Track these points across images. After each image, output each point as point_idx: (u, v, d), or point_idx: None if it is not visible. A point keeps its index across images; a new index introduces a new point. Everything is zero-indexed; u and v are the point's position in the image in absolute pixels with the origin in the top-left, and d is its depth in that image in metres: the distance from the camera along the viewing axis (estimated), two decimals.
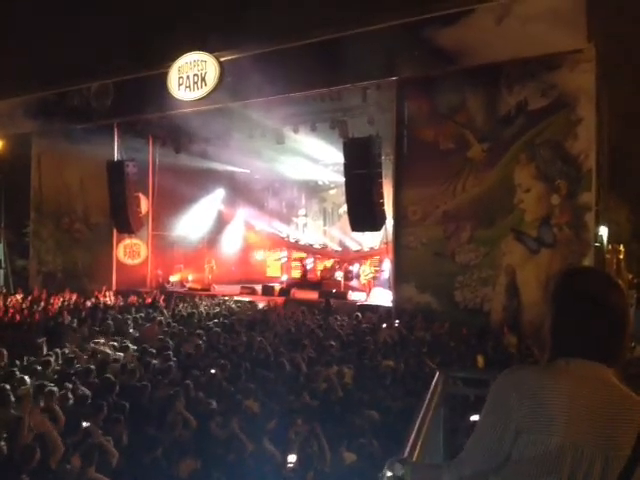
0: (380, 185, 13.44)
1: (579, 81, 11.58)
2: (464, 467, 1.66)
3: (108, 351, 8.69)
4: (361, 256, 18.80)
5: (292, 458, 4.98)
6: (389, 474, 1.78)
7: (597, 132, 11.67)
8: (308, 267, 20.21)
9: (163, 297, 15.35)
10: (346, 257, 19.08)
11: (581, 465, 1.50)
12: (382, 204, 13.54)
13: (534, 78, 12.08)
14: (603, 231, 13.87)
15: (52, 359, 7.97)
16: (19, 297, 15.23)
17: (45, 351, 8.71)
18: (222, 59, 15.20)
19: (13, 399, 6.02)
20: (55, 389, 6.37)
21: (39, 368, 7.46)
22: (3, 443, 5.01)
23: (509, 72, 12.33)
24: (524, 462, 1.55)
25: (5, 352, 8.23)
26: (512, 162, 12.30)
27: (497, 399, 1.64)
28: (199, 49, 15.43)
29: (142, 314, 12.40)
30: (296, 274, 20.28)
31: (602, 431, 1.51)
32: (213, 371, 7.63)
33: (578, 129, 11.66)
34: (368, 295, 16.07)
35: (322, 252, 20.36)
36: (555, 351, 1.65)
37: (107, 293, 16.09)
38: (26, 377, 6.84)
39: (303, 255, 20.76)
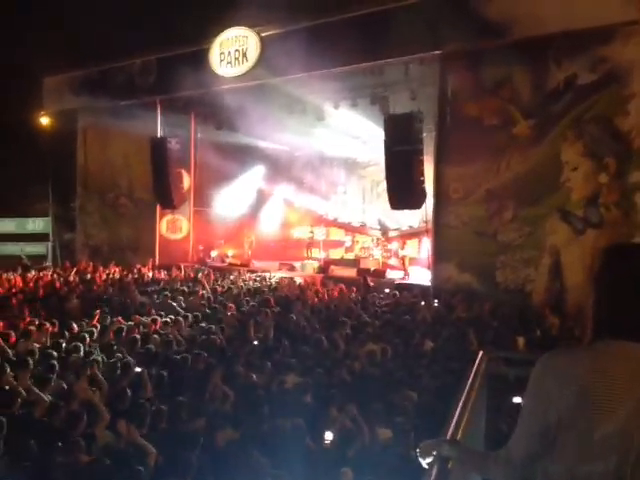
0: (421, 162, 13.24)
1: (632, 54, 11.07)
2: (512, 455, 1.64)
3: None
4: (400, 234, 18.65)
5: (329, 435, 5.04)
6: (434, 453, 1.77)
7: None
8: (347, 245, 20.18)
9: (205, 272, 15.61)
10: (385, 235, 18.96)
11: (630, 450, 1.46)
12: (423, 182, 13.35)
13: (584, 52, 11.60)
14: None
15: (96, 330, 8.26)
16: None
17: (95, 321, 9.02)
18: (263, 34, 15.13)
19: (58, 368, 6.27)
20: (100, 358, 6.61)
21: (88, 338, 7.72)
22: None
23: (558, 45, 11.86)
24: (569, 448, 1.52)
25: (56, 322, 8.56)
26: (559, 139, 11.92)
27: (537, 385, 1.60)
28: (240, 24, 15.38)
29: (185, 288, 12.66)
30: (334, 251, 20.29)
31: None
32: (256, 342, 7.78)
33: (629, 105, 11.19)
34: (406, 274, 15.97)
35: (361, 230, 20.27)
36: (596, 332, 1.59)
37: (152, 267, 16.46)
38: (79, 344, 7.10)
39: (342, 232, 20.73)
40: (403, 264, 16.62)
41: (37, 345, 7.28)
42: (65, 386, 5.85)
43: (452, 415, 2.05)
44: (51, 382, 5.92)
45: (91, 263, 16.75)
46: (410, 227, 18.29)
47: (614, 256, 1.64)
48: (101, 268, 15.60)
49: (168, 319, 9.16)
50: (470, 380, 2.48)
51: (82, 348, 7.14)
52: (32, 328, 7.94)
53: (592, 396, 1.50)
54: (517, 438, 1.64)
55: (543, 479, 1.59)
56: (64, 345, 7.29)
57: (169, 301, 10.91)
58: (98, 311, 9.47)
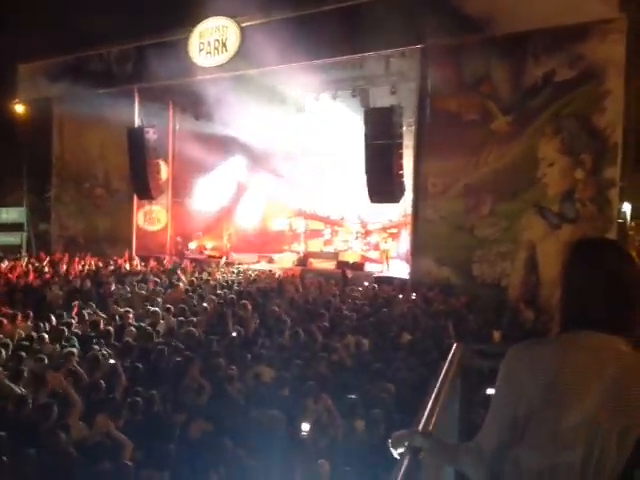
0: (400, 156, 13.30)
1: (608, 52, 11.23)
2: (482, 446, 1.65)
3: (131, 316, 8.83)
4: (379, 228, 18.72)
5: (305, 427, 5.05)
6: (406, 444, 1.78)
7: (625, 106, 11.35)
8: (326, 237, 20.20)
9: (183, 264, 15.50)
10: (364, 228, 19.02)
11: (597, 437, 1.48)
12: (402, 175, 13.42)
13: (562, 49, 11.74)
14: (627, 207, 13.62)
15: (74, 322, 8.15)
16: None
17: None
18: (243, 24, 15.00)
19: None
20: (75, 350, 6.52)
21: (65, 330, 7.62)
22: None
23: (536, 42, 11.99)
24: (538, 438, 1.55)
25: (31, 314, 8.42)
26: (537, 135, 12.06)
27: (507, 376, 1.62)
28: (220, 14, 15.22)
29: (164, 280, 12.56)
30: (313, 244, 20.30)
31: (618, 401, 1.49)
32: (234, 334, 7.77)
33: (605, 102, 11.36)
34: (385, 267, 16.05)
35: (340, 223, 20.30)
36: (565, 324, 1.62)
37: (129, 258, 16.29)
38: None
39: (321, 225, 20.73)
40: (382, 257, 16.70)
41: (9, 337, 7.16)
42: (37, 377, 5.77)
43: (424, 406, 2.06)
44: (23, 374, 5.82)
45: (66, 254, 16.47)
46: (389, 221, 18.36)
47: (581, 250, 1.68)
48: (76, 259, 15.37)
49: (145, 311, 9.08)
50: (444, 372, 2.50)
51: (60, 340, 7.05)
52: (2, 319, 7.80)
53: (560, 386, 1.52)
54: (487, 428, 1.66)
55: (513, 469, 1.61)
56: (45, 336, 7.18)
57: (142, 292, 10.82)
58: (76, 302, 9.33)
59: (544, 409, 1.54)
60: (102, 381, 5.78)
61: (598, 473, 1.49)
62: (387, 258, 16.50)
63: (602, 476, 1.49)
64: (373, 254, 17.81)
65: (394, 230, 18.11)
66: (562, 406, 1.52)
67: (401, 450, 1.78)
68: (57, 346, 6.89)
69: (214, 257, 18.16)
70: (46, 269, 13.68)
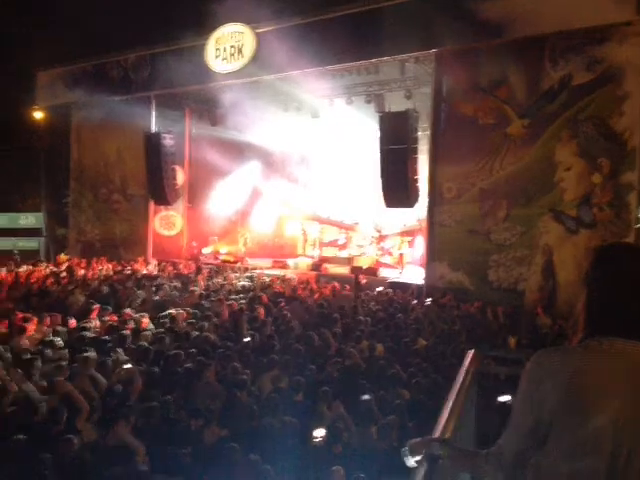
0: (415, 161, 13.24)
1: (627, 55, 11.09)
2: (503, 452, 1.63)
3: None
4: (394, 233, 18.65)
5: (319, 432, 5.03)
6: (423, 452, 1.76)
7: None
8: (340, 242, 20.17)
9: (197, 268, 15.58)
10: (378, 233, 18.95)
11: (623, 443, 1.47)
12: (417, 180, 13.36)
13: (579, 52, 11.62)
14: None
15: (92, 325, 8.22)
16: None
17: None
18: (258, 30, 15.07)
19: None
20: (93, 355, 6.56)
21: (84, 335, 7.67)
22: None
23: (553, 45, 11.88)
24: (561, 445, 1.53)
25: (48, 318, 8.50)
26: (553, 139, 11.94)
27: (529, 382, 1.61)
28: (236, 21, 15.31)
29: (178, 284, 12.63)
30: (328, 249, 20.28)
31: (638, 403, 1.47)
32: (249, 339, 7.78)
33: (624, 105, 11.21)
34: (400, 272, 15.98)
35: (354, 228, 20.26)
36: (588, 331, 1.61)
37: (146, 262, 16.41)
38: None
39: (336, 230, 20.70)
40: (397, 262, 16.63)
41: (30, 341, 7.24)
42: (45, 383, 5.82)
43: (442, 414, 2.04)
44: (33, 378, 5.88)
45: (83, 259, 16.64)
46: (404, 225, 18.28)
47: (604, 256, 1.66)
48: (94, 264, 15.51)
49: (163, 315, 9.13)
50: (460, 379, 2.48)
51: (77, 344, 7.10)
52: (27, 324, 7.87)
53: (583, 393, 1.51)
54: (509, 435, 1.65)
55: (534, 476, 1.59)
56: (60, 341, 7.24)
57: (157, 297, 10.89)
58: (97, 306, 9.38)
59: (567, 415, 1.53)
60: (119, 385, 5.81)
61: (624, 475, 1.47)
62: (402, 263, 16.44)
63: (629, 477, 1.46)
64: (388, 259, 17.73)
65: (408, 236, 18.03)
66: (586, 412, 1.50)
67: (418, 458, 1.76)
68: (66, 351, 6.90)
69: (229, 262, 18.22)
70: (63, 274, 13.81)
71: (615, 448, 1.47)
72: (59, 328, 8.02)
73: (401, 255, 16.96)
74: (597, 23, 11.04)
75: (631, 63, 11.05)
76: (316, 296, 11.77)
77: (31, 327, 7.80)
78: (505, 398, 4.69)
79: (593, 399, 1.50)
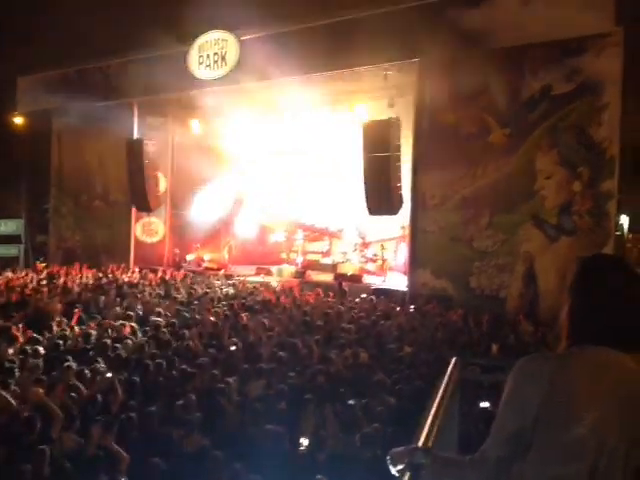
0: (398, 169, 13.32)
1: (605, 66, 11.30)
2: (486, 459, 1.64)
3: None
4: (377, 240, 18.70)
5: (305, 442, 5.01)
6: (406, 461, 1.76)
7: (622, 119, 11.41)
8: (324, 249, 20.16)
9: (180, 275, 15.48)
10: (362, 240, 18.99)
11: (604, 451, 1.49)
12: (400, 188, 13.43)
13: (559, 62, 11.82)
14: (624, 220, 13.67)
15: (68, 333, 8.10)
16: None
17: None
18: (242, 38, 15.08)
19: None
20: (73, 364, 6.47)
21: (60, 342, 7.57)
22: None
23: (534, 56, 12.07)
24: (544, 450, 1.54)
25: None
26: (534, 148, 12.10)
27: (514, 388, 1.62)
28: (220, 28, 15.31)
29: (161, 291, 12.53)
30: (311, 256, 20.26)
31: (625, 415, 1.50)
32: (232, 347, 7.74)
33: (603, 115, 11.42)
34: (383, 279, 16.03)
35: (338, 235, 20.27)
36: (572, 339, 1.64)
37: (126, 270, 16.24)
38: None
39: (319, 237, 20.70)
40: (380, 269, 16.66)
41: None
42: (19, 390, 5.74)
43: (424, 421, 2.04)
44: (10, 387, 5.79)
45: (63, 267, 16.43)
46: (388, 233, 18.33)
47: (591, 266, 1.70)
48: (73, 271, 15.33)
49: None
50: (443, 386, 2.49)
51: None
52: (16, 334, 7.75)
53: (566, 400, 1.53)
54: (493, 440, 1.66)
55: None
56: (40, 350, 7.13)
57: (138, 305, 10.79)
58: (77, 311, 9.27)
59: (550, 422, 1.55)
60: (99, 395, 5.73)
61: None
62: (385, 270, 16.48)
63: None
64: (371, 266, 17.77)
65: (392, 242, 18.09)
66: (569, 419, 1.52)
67: (400, 467, 1.76)
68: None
69: (212, 269, 18.12)
70: (44, 282, 13.62)
71: (596, 456, 1.49)
72: (38, 337, 7.91)
73: (384, 262, 17.00)
74: (577, 34, 11.26)
75: (610, 74, 11.26)
76: (299, 303, 11.74)
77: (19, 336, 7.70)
78: (486, 404, 4.74)
79: (575, 407, 1.52)
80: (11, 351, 7.10)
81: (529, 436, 1.57)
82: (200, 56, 15.62)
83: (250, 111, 16.68)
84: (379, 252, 17.40)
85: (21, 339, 7.77)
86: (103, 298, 11.31)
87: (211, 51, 15.46)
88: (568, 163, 11.74)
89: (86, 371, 6.40)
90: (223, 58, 15.27)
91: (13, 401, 5.38)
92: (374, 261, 17.46)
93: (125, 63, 17.51)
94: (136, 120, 17.83)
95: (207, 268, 18.44)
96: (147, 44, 16.55)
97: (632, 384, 1.53)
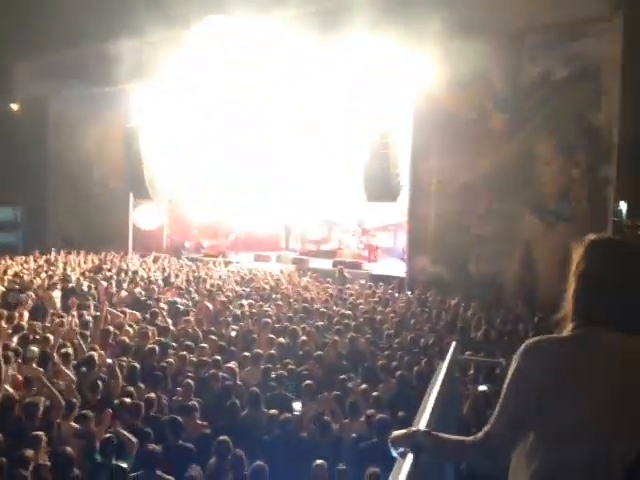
0: (396, 155, 13.29)
1: (604, 51, 11.27)
2: (490, 439, 1.66)
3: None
4: (376, 226, 18.71)
5: (305, 426, 5.06)
6: (407, 443, 1.78)
7: (621, 104, 11.38)
8: (323, 236, 20.15)
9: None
10: (362, 226, 18.99)
11: (605, 433, 1.50)
12: (398, 174, 13.42)
13: (558, 48, 11.78)
14: (622, 206, 13.68)
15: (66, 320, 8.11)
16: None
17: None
18: (239, 21, 14.98)
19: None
20: (70, 351, 6.50)
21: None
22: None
23: (532, 41, 12.02)
24: (549, 432, 1.56)
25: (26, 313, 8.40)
26: (533, 133, 12.09)
27: (518, 371, 1.63)
28: (219, 12, 15.21)
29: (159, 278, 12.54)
30: (310, 243, 20.26)
31: (628, 397, 1.51)
32: (233, 334, 7.78)
33: (602, 101, 11.40)
34: (381, 265, 16.07)
35: (337, 221, 20.24)
36: (577, 321, 1.64)
37: (126, 256, 16.27)
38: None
39: (318, 223, 20.65)
40: (379, 255, 16.71)
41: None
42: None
43: (425, 404, 2.07)
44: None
45: (62, 252, 16.41)
46: (387, 219, 18.33)
47: (596, 249, 1.68)
48: (73, 258, 15.32)
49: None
50: (442, 370, 2.52)
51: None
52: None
53: (572, 382, 1.55)
54: (496, 421, 1.66)
55: (520, 462, 1.61)
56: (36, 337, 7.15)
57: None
58: (73, 300, 9.27)
59: (555, 404, 1.56)
60: (99, 381, 5.77)
61: (608, 464, 1.50)
62: (383, 256, 16.53)
63: (612, 466, 1.50)
64: (370, 252, 17.79)
65: (391, 228, 18.11)
66: (573, 402, 1.54)
67: (401, 449, 1.78)
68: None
69: (211, 255, 18.11)
70: (42, 269, 13.61)
71: (600, 438, 1.50)
72: (37, 323, 7.94)
73: (383, 249, 17.03)
74: (576, 19, 11.20)
75: (609, 59, 11.22)
76: (299, 289, 11.77)
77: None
78: (484, 387, 4.80)
79: (580, 389, 1.53)
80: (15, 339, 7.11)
81: (532, 418, 1.58)
82: (199, 40, 15.55)
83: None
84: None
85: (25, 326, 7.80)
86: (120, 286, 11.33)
87: (210, 35, 15.39)
88: (567, 149, 11.74)
89: (87, 357, 6.43)
90: (222, 42, 15.24)
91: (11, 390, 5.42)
92: (373, 247, 17.49)
93: (123, 48, 17.34)
94: (134, 106, 17.71)
95: (206, 254, 18.44)
96: (144, 29, 16.40)
97: (637, 367, 1.53)
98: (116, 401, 5.38)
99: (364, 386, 5.88)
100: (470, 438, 1.70)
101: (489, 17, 11.79)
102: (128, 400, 5.31)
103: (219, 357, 6.71)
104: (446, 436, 1.77)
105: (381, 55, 13.54)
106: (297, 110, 16.33)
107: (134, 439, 4.60)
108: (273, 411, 5.26)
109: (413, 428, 1.85)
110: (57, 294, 10.44)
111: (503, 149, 12.43)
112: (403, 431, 1.83)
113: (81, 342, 6.96)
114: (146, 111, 17.40)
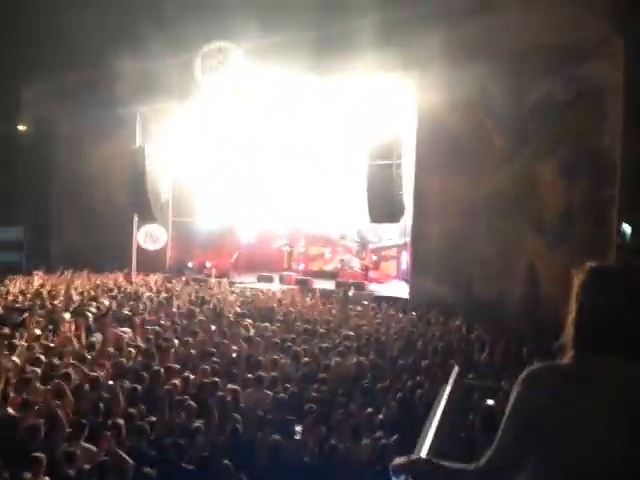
0: (399, 175, 13.35)
1: (606, 74, 11.34)
2: (492, 466, 1.64)
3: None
4: (380, 247, 18.71)
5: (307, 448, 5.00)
6: (408, 471, 1.76)
7: (624, 126, 11.42)
8: (326, 256, 20.15)
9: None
10: (364, 247, 19.00)
11: (604, 463, 1.48)
12: (401, 195, 13.46)
13: (560, 70, 11.86)
14: (626, 229, 13.63)
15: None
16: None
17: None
18: (244, 47, 15.19)
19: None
20: (71, 372, 6.47)
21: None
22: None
23: (534, 63, 12.13)
24: (552, 458, 1.54)
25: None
26: (535, 155, 12.13)
27: (520, 398, 1.63)
28: (223, 37, 15.44)
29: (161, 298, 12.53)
30: (314, 264, 20.25)
31: (632, 426, 1.49)
32: (234, 355, 7.75)
33: (604, 123, 11.44)
34: (385, 286, 16.03)
35: (340, 242, 20.26)
36: (578, 348, 1.64)
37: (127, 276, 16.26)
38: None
39: (321, 244, 20.68)
40: (382, 277, 16.68)
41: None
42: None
43: (427, 429, 2.05)
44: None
45: (65, 274, 16.40)
46: (390, 240, 18.36)
47: (597, 276, 1.69)
48: (74, 279, 15.33)
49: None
50: (445, 394, 2.50)
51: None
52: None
53: (575, 408, 1.53)
54: (497, 448, 1.66)
55: None
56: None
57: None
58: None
59: (558, 430, 1.55)
60: (101, 403, 5.73)
61: None
62: (387, 277, 16.50)
63: None
64: (373, 273, 17.77)
65: (394, 249, 18.10)
66: (576, 428, 1.53)
67: (403, 477, 1.76)
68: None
69: (214, 276, 18.08)
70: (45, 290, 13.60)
71: (606, 463, 1.49)
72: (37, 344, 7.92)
73: (386, 270, 17.01)
74: (578, 41, 11.29)
75: (611, 81, 11.29)
76: (303, 310, 11.73)
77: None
78: (491, 402, 4.74)
79: (583, 415, 1.52)
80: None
81: (534, 447, 1.57)
82: (204, 64, 15.73)
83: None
84: (380, 259, 17.46)
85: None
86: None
87: (215, 59, 15.57)
88: (569, 170, 11.76)
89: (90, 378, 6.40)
90: (226, 67, 15.39)
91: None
92: (375, 268, 17.48)
93: (129, 71, 17.57)
94: (139, 128, 17.89)
95: (209, 275, 18.42)
96: (151, 52, 16.64)
97: (637, 395, 1.52)
98: (118, 421, 5.34)
99: (368, 408, 5.82)
100: (472, 466, 1.68)
101: (491, 39, 11.91)
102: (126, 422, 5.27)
103: (220, 379, 6.66)
104: (447, 464, 1.75)
105: (382, 77, 13.69)
106: (296, 132, 16.57)
107: (130, 461, 4.55)
108: (275, 435, 5.21)
109: (414, 456, 1.84)
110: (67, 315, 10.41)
111: (505, 170, 12.46)
112: (404, 459, 1.81)
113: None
114: (152, 132, 17.62)
